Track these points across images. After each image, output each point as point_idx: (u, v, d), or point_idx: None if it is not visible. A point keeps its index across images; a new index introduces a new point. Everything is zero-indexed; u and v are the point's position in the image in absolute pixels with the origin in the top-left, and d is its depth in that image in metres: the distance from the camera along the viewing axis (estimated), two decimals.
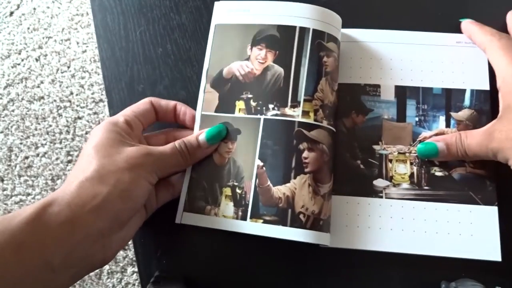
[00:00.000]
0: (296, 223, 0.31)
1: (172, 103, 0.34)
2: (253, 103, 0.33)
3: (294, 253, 0.34)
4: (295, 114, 0.32)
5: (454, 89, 0.35)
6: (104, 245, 0.27)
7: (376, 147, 0.35)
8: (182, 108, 0.34)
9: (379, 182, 0.34)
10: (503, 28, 0.35)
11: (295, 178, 0.31)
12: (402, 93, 0.36)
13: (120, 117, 0.31)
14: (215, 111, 0.34)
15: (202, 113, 0.34)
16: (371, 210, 0.33)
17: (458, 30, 0.37)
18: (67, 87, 0.43)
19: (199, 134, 0.32)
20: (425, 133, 0.35)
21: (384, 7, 0.39)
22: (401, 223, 0.32)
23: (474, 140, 0.30)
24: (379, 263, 0.33)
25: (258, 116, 0.33)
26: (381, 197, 0.34)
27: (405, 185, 0.34)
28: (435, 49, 0.36)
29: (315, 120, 0.32)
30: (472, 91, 0.35)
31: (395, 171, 0.34)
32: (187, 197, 0.33)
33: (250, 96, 0.33)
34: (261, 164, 0.32)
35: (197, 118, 0.34)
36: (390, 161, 0.34)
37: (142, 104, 0.33)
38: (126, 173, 0.27)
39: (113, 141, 0.29)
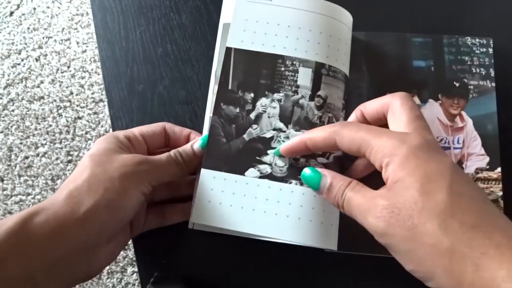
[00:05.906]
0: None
1: (186, 131, 0.33)
2: None
3: (295, 255, 0.34)
4: None
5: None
6: (89, 259, 0.26)
7: None
8: (196, 138, 0.33)
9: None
10: (499, 33, 0.35)
11: None
12: None
13: (123, 132, 0.31)
14: None
15: (211, 115, 0.34)
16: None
17: (447, 32, 0.36)
18: (67, 87, 0.43)
19: (194, 142, 0.32)
20: None
21: (390, 8, 0.39)
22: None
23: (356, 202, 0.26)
24: (378, 263, 0.33)
25: None
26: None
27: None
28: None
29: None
30: None
31: None
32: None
33: None
34: None
35: (205, 121, 0.34)
36: None
37: (154, 126, 0.33)
38: (116, 182, 0.27)
39: (109, 151, 0.28)
